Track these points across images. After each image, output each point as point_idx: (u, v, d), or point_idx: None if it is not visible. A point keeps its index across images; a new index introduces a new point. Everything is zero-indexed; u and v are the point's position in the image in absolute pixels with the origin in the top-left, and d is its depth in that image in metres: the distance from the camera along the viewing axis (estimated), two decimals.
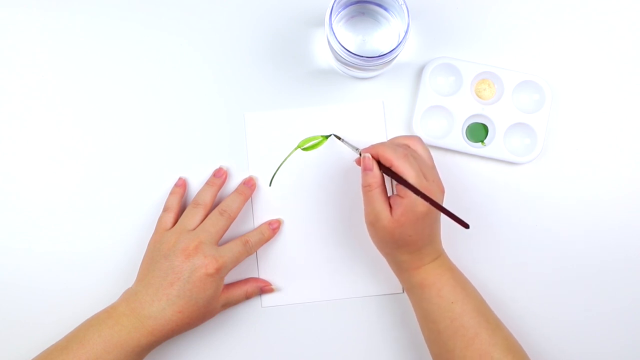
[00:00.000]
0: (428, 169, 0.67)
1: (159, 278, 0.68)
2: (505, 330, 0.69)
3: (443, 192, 0.68)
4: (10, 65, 0.77)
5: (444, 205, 0.68)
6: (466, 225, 0.62)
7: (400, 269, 0.70)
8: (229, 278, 0.73)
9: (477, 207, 0.76)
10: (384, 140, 0.76)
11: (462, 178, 0.77)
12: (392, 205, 0.67)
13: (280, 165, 0.77)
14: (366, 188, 0.67)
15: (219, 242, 0.71)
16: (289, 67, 0.77)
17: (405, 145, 0.69)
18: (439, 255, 0.70)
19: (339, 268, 0.76)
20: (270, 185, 0.77)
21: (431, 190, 0.65)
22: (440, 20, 0.77)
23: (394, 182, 0.69)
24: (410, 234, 0.66)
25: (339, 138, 0.75)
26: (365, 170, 0.67)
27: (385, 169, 0.67)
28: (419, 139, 0.70)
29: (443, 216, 0.69)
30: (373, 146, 0.68)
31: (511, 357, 0.66)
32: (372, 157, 0.67)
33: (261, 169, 0.77)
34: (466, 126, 0.77)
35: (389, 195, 0.68)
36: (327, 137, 0.76)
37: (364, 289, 0.76)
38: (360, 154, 0.69)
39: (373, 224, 0.68)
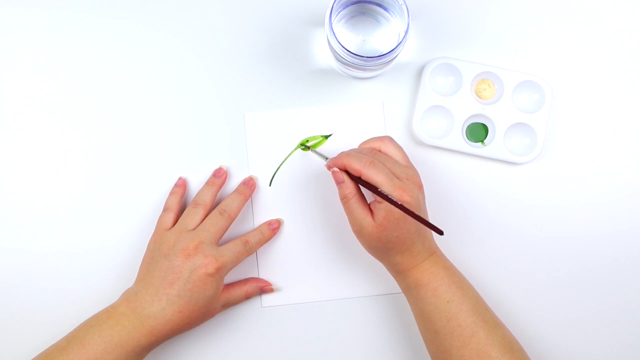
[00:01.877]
0: (401, 168, 0.67)
1: (159, 278, 0.68)
2: (504, 329, 0.69)
3: (421, 187, 0.68)
4: (10, 66, 0.77)
5: (438, 207, 0.68)
6: (440, 232, 0.62)
7: (395, 271, 0.70)
8: (229, 278, 0.73)
9: (477, 207, 0.76)
10: (367, 139, 0.75)
11: (461, 178, 0.77)
12: (373, 211, 0.67)
13: (280, 165, 0.77)
14: (343, 200, 0.68)
15: (219, 242, 0.71)
16: (289, 67, 0.77)
17: (374, 149, 0.69)
18: (432, 253, 0.69)
19: (338, 268, 0.76)
20: (270, 185, 0.77)
21: (406, 188, 0.65)
22: (440, 20, 0.77)
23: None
24: (396, 235, 0.66)
25: (308, 148, 0.75)
26: (338, 183, 0.68)
27: (357, 178, 0.67)
28: (389, 138, 0.70)
29: (439, 210, 0.69)
30: (340, 156, 0.68)
31: (509, 355, 0.66)
32: (340, 168, 0.67)
33: (261, 169, 0.77)
34: (466, 126, 0.77)
35: (369, 201, 0.68)
36: (327, 137, 0.76)
37: (363, 289, 0.76)
38: (329, 163, 0.69)
39: (359, 233, 0.68)
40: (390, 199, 0.64)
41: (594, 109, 0.77)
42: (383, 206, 0.65)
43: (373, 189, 0.65)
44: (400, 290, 0.73)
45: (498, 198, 0.77)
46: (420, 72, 0.77)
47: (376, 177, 0.65)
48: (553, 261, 0.76)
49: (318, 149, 0.75)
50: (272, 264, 0.76)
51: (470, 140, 0.76)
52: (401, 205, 0.64)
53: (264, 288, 0.76)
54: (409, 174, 0.67)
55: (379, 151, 0.69)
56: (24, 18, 0.77)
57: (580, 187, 0.77)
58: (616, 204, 0.77)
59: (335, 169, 0.68)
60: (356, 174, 0.66)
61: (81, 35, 0.77)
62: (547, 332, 0.76)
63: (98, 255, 0.76)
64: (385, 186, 0.65)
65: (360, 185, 0.68)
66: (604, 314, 0.76)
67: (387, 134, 0.76)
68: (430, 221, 0.65)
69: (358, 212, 0.67)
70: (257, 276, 0.76)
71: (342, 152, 0.68)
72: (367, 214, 0.67)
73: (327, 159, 0.70)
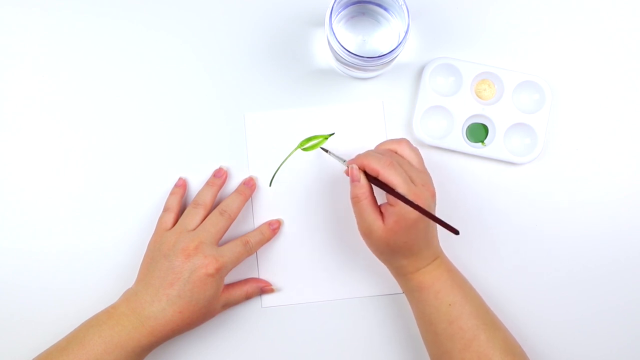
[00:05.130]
0: (417, 172, 0.67)
1: (159, 278, 0.68)
2: (505, 332, 0.69)
3: (434, 195, 0.67)
4: (10, 66, 0.77)
5: (438, 207, 0.68)
6: (456, 232, 0.62)
7: (398, 273, 0.70)
8: (229, 278, 0.73)
9: (477, 207, 0.76)
10: (383, 141, 0.76)
11: (462, 178, 0.77)
12: (383, 214, 0.66)
13: (281, 165, 0.77)
14: (354, 200, 0.67)
15: (219, 242, 0.71)
16: (289, 67, 0.77)
17: (391, 150, 0.69)
18: (437, 257, 0.69)
19: (339, 268, 0.76)
20: (270, 185, 0.77)
21: (421, 195, 0.65)
22: (440, 20, 0.77)
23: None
24: (404, 241, 0.66)
25: (326, 151, 0.75)
26: (353, 181, 0.67)
27: (373, 179, 0.66)
28: (406, 141, 0.70)
29: (439, 210, 0.69)
30: (358, 157, 0.68)
31: (510, 358, 0.66)
32: (359, 167, 0.67)
33: (261, 169, 0.77)
34: (466, 126, 0.77)
35: (379, 203, 0.68)
36: (327, 136, 0.76)
37: (363, 289, 0.76)
38: (347, 166, 0.68)
39: (367, 235, 0.68)
40: (406, 199, 0.63)
41: (594, 109, 0.77)
42: (395, 210, 0.65)
43: (389, 189, 0.65)
44: (401, 291, 0.73)
45: (498, 198, 0.77)
46: (420, 72, 0.77)
47: (394, 179, 0.64)
48: (553, 261, 0.76)
49: (334, 152, 0.74)
50: (272, 264, 0.76)
51: (470, 141, 0.76)
52: (417, 205, 0.63)
53: (264, 288, 0.75)
54: (425, 180, 0.67)
55: (395, 153, 0.69)
56: (24, 18, 0.77)
57: (580, 187, 0.77)
58: (616, 204, 0.77)
59: (354, 166, 0.67)
60: (374, 174, 0.66)
61: (81, 35, 0.77)
62: (547, 333, 0.76)
63: (98, 255, 0.76)
64: (400, 189, 0.64)
65: (373, 187, 0.67)
66: (604, 314, 0.76)
67: (387, 135, 0.77)
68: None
69: (368, 213, 0.66)
70: (257, 276, 0.76)
71: (360, 153, 0.68)
72: (377, 217, 0.66)
73: (344, 161, 0.70)
